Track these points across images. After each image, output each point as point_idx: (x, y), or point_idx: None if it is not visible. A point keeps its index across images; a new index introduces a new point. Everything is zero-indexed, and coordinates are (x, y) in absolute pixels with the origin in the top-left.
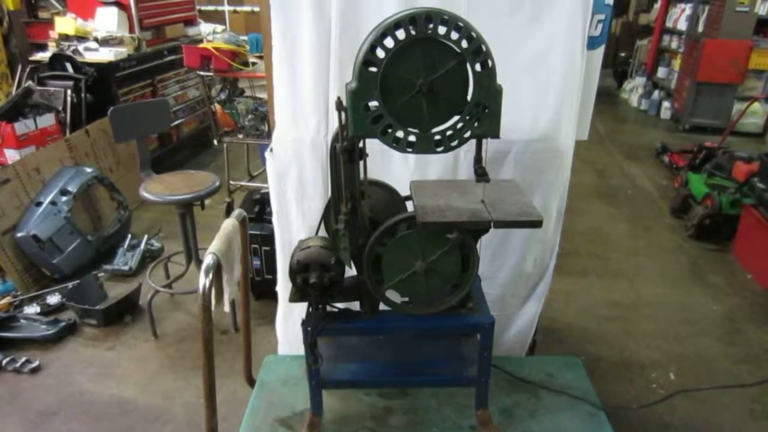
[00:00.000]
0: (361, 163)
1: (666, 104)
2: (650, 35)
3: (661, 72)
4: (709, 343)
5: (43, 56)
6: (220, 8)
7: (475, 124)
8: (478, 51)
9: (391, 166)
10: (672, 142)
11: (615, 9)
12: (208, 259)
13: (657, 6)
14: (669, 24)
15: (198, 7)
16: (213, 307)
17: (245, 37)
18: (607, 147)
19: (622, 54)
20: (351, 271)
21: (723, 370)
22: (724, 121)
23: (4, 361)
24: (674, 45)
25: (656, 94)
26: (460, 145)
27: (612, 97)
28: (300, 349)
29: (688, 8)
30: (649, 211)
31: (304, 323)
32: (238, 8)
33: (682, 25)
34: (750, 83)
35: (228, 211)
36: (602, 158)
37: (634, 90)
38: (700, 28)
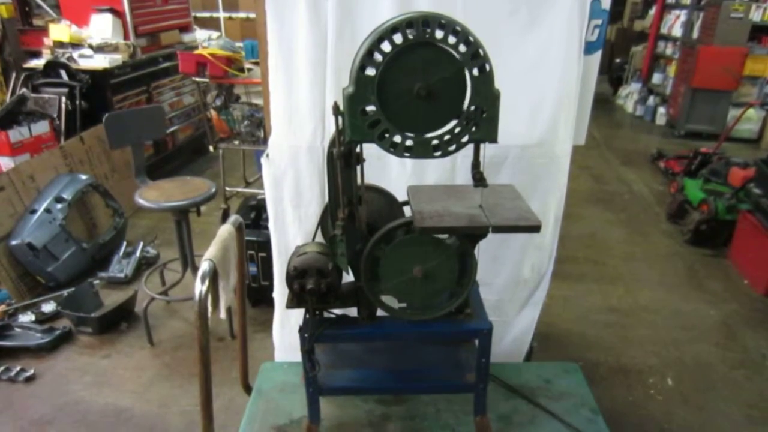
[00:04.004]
0: (359, 168)
1: (661, 110)
2: (645, 41)
3: (657, 78)
4: (707, 348)
5: (37, 63)
6: (215, 15)
7: (473, 129)
8: (476, 55)
9: (388, 172)
10: (667, 147)
11: (610, 15)
12: (204, 266)
13: (652, 12)
14: (664, 30)
15: (193, 14)
16: (209, 314)
17: (241, 44)
18: (603, 152)
19: (618, 60)
20: (348, 277)
21: (720, 375)
22: (719, 127)
23: None
24: (669, 51)
25: (651, 100)
26: (458, 149)
27: (607, 103)
28: (297, 356)
29: (682, 15)
30: (646, 216)
31: (301, 330)
32: (234, 15)
33: (677, 32)
34: (745, 89)
35: (224, 218)
36: (598, 164)
37: (629, 96)
38: (695, 35)
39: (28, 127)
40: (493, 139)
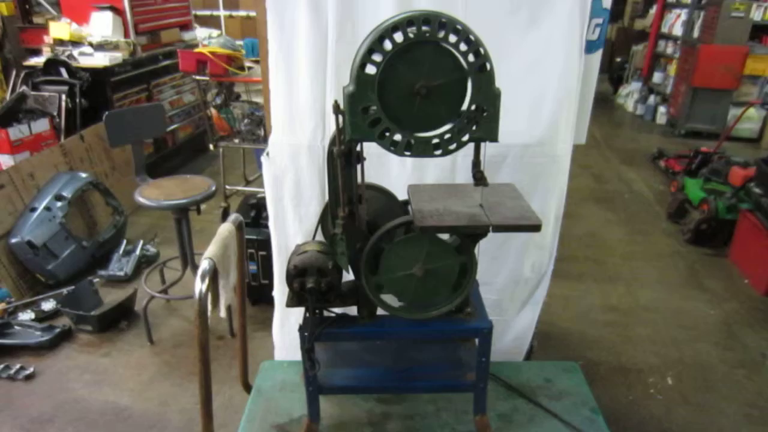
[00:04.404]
0: (359, 167)
1: (662, 109)
2: (646, 40)
3: (657, 77)
4: (707, 348)
5: (37, 61)
6: (215, 13)
7: (474, 128)
8: (477, 54)
9: (388, 170)
10: (668, 147)
11: (611, 14)
12: (204, 264)
13: (652, 11)
14: (664, 29)
15: (193, 12)
16: (209, 313)
17: (241, 42)
18: (604, 152)
19: (618, 59)
20: (348, 276)
21: (720, 375)
22: (719, 127)
23: None
24: (670, 50)
25: (652, 99)
26: (458, 148)
27: (608, 102)
28: (297, 355)
29: (683, 14)
30: (646, 215)
31: (301, 328)
32: (234, 13)
33: (678, 31)
34: (745, 89)
35: (224, 216)
36: (599, 163)
37: (630, 95)
38: (696, 34)
39: (28, 125)
40: (494, 138)
